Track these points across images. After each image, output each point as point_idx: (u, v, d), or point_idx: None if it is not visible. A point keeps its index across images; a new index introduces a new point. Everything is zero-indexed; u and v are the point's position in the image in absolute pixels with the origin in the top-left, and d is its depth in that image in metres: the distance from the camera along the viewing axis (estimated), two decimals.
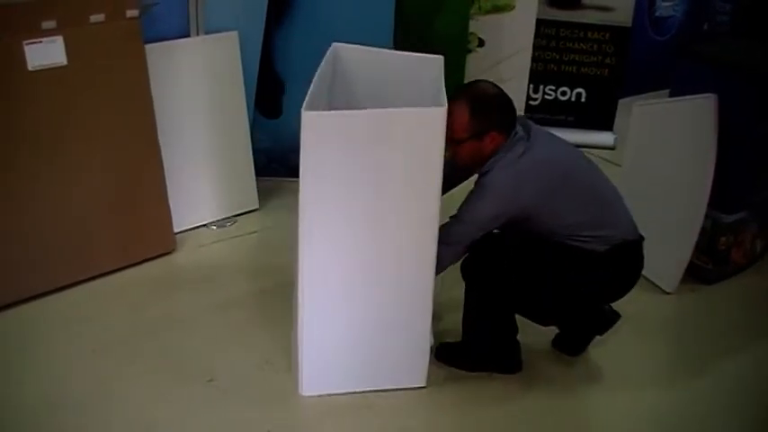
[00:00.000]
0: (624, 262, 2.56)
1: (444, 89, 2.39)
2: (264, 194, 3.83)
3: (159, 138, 3.22)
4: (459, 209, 2.49)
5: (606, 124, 4.85)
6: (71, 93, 2.92)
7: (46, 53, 2.81)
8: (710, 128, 3.09)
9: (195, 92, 3.43)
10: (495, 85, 2.53)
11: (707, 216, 3.18)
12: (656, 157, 3.34)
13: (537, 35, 4.66)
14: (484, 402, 2.60)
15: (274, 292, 3.10)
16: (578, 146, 2.73)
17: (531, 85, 4.83)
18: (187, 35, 3.39)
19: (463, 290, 2.60)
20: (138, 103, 3.12)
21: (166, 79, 3.26)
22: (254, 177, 3.76)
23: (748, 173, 3.26)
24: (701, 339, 3.03)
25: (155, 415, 2.47)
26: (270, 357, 2.74)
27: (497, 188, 2.42)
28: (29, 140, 2.87)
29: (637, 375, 2.82)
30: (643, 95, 4.77)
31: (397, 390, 2.59)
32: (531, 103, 4.88)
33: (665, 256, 3.12)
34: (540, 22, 4.64)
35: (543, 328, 2.75)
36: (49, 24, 2.78)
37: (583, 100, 4.88)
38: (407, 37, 3.96)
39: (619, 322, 2.79)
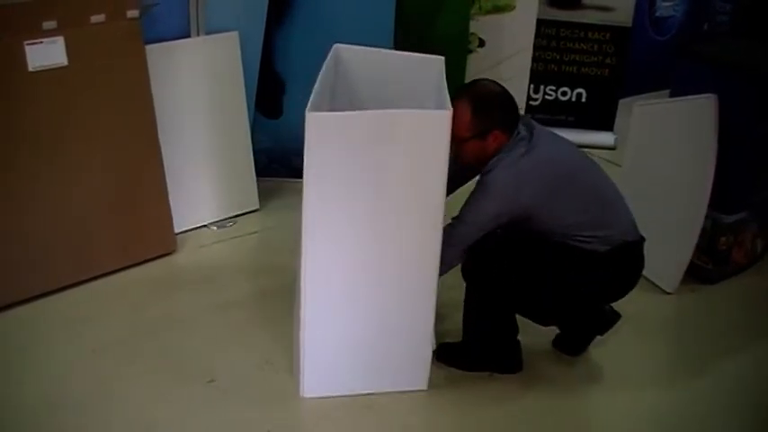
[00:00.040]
0: (625, 263, 2.56)
1: (447, 92, 2.39)
2: (265, 195, 3.83)
3: (160, 138, 3.22)
4: (462, 209, 2.49)
5: (606, 124, 4.85)
6: (71, 93, 2.92)
7: (46, 54, 2.81)
8: (710, 128, 3.09)
9: (195, 92, 3.43)
10: (498, 84, 2.53)
11: (707, 216, 3.18)
12: (656, 157, 3.34)
13: (537, 35, 4.66)
14: (484, 402, 2.60)
15: (275, 292, 3.10)
16: (578, 146, 2.73)
17: (532, 86, 4.82)
18: (187, 35, 3.39)
19: (463, 290, 2.60)
20: (138, 103, 3.12)
21: (167, 79, 3.26)
22: (254, 178, 3.76)
23: (748, 173, 3.26)
24: (701, 339, 3.03)
25: (155, 415, 2.47)
26: (270, 357, 2.74)
27: (499, 187, 2.42)
28: (29, 140, 2.87)
29: (637, 375, 2.82)
30: (643, 95, 4.76)
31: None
32: (532, 103, 4.87)
33: (666, 256, 3.12)
34: (540, 23, 4.64)
35: (543, 328, 2.75)
36: (49, 25, 2.78)
37: (583, 100, 4.88)
38: (408, 37, 3.96)
39: (619, 322, 2.79)
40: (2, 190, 2.84)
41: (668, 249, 3.13)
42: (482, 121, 2.43)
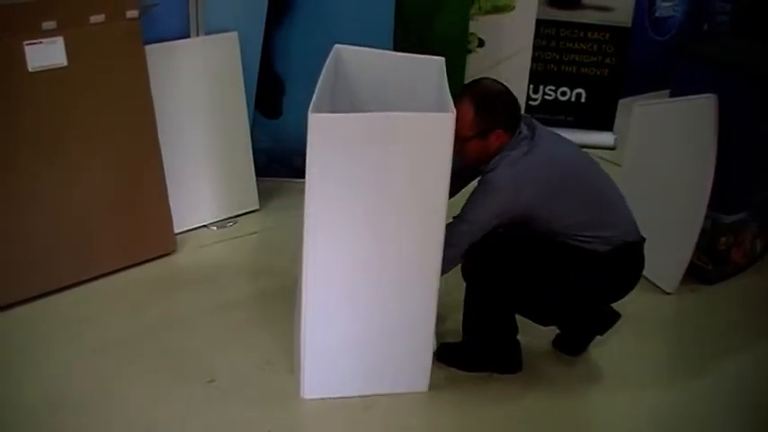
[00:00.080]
0: (625, 263, 2.56)
1: (450, 94, 2.39)
2: (265, 195, 3.83)
3: (159, 138, 3.22)
4: (463, 208, 2.49)
5: (606, 124, 4.85)
6: (71, 93, 2.92)
7: (46, 54, 2.81)
8: (710, 128, 3.09)
9: (195, 92, 3.43)
10: (500, 83, 2.53)
11: (707, 216, 3.18)
12: (656, 157, 3.34)
13: (537, 35, 4.66)
14: (484, 403, 2.60)
15: (275, 292, 3.10)
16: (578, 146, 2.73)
17: (531, 86, 4.82)
18: (187, 36, 3.39)
19: (463, 290, 2.60)
20: (138, 103, 3.12)
21: (166, 80, 3.26)
22: (254, 178, 3.76)
23: (748, 173, 3.26)
24: (701, 339, 3.03)
25: (155, 415, 2.47)
26: (270, 358, 2.74)
27: (500, 186, 2.42)
28: (29, 141, 2.87)
29: (637, 375, 2.82)
30: (643, 95, 4.76)
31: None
32: (531, 103, 4.87)
33: (666, 256, 3.11)
34: (539, 23, 4.64)
35: (543, 328, 2.76)
36: (49, 25, 2.78)
37: (583, 100, 4.88)
38: (407, 37, 3.96)
39: (619, 322, 2.79)
40: (2, 190, 2.84)
41: (668, 249, 3.13)
42: (484, 120, 2.43)
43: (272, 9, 3.64)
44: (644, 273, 2.64)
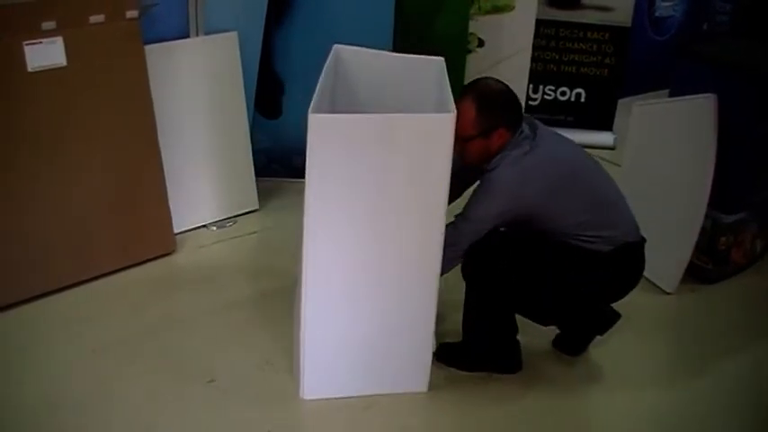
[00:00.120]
0: (625, 263, 2.56)
1: (451, 94, 2.39)
2: (264, 195, 3.83)
3: (159, 138, 3.22)
4: (465, 207, 2.49)
5: (606, 124, 4.85)
6: (71, 93, 2.92)
7: (46, 54, 2.81)
8: (710, 128, 3.09)
9: (195, 92, 3.43)
10: (502, 82, 2.53)
11: (707, 216, 3.18)
12: (655, 157, 3.34)
13: (536, 35, 4.65)
14: (484, 403, 2.60)
15: (274, 292, 3.10)
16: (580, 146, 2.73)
17: (531, 86, 4.82)
18: (187, 36, 3.39)
19: (463, 291, 2.60)
20: (138, 103, 3.12)
21: (166, 80, 3.26)
22: (253, 178, 3.76)
23: (748, 173, 3.26)
24: (701, 339, 3.03)
25: (155, 415, 2.47)
26: (270, 358, 2.74)
27: (502, 185, 2.42)
28: (29, 141, 2.87)
29: (637, 375, 2.82)
30: (643, 95, 4.77)
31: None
32: (531, 103, 4.87)
33: (665, 256, 3.11)
34: (539, 23, 4.64)
35: (543, 328, 2.75)
36: (48, 25, 2.78)
37: (582, 100, 4.88)
38: (407, 37, 3.96)
39: (619, 322, 2.79)
40: (2, 190, 2.84)
41: (668, 249, 3.13)
42: (486, 119, 2.43)
43: (271, 9, 3.64)
44: (644, 273, 2.64)
